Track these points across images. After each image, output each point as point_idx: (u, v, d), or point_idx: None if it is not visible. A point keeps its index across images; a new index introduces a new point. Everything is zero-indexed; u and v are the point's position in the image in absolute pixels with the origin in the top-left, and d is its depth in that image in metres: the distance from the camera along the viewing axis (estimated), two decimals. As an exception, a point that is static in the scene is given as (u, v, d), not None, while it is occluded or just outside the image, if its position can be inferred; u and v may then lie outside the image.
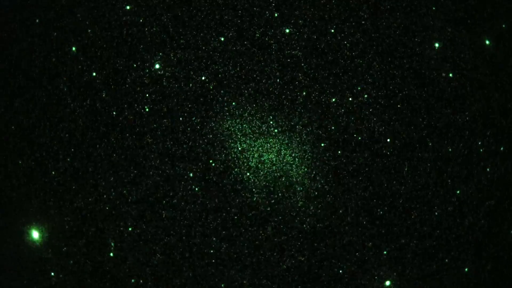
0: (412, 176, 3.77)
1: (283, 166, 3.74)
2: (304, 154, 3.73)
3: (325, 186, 3.73)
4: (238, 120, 3.72)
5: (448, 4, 3.84)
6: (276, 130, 3.72)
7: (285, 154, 3.73)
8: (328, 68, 3.72)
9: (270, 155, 3.74)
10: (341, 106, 3.71)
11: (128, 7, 3.79)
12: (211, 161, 3.72)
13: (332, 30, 3.73)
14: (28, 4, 3.97)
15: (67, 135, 3.83)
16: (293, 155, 3.73)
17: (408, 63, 3.77)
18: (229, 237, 3.75)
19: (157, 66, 3.74)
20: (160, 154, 3.73)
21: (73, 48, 3.84)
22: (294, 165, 3.74)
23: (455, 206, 3.83)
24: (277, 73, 3.71)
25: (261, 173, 3.73)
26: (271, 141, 3.73)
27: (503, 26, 3.93)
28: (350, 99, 3.71)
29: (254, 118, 3.72)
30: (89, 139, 3.80)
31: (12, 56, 3.98)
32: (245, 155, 3.73)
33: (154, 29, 3.75)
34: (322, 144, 3.71)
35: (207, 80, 3.71)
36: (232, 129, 3.72)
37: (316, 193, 3.74)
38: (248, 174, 3.72)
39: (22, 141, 3.92)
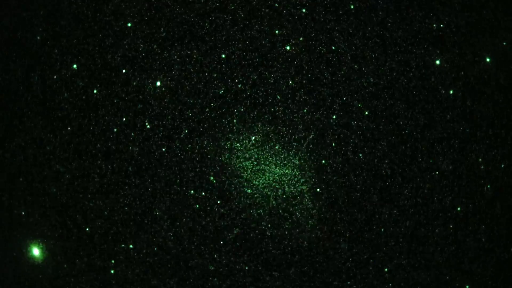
0: (414, 190, 3.77)
1: (284, 181, 3.74)
2: (305, 170, 3.73)
3: (326, 202, 3.73)
4: (239, 136, 3.72)
5: (449, 21, 3.85)
6: (277, 147, 3.72)
7: (286, 170, 3.73)
8: (328, 84, 3.72)
9: (271, 170, 3.74)
10: (341, 123, 3.72)
11: (129, 24, 3.80)
12: (211, 178, 3.72)
13: (333, 47, 3.73)
14: (29, 21, 3.98)
15: (66, 151, 3.83)
16: (294, 171, 3.73)
17: (409, 80, 3.77)
18: (229, 253, 3.75)
19: (158, 83, 3.75)
20: (160, 170, 3.74)
21: (74, 66, 3.85)
22: (295, 181, 3.74)
23: (456, 223, 3.83)
24: (278, 90, 3.71)
25: (262, 189, 3.73)
26: (272, 157, 3.73)
27: (504, 43, 3.93)
28: (351, 115, 3.71)
29: (255, 133, 3.72)
30: (90, 156, 3.81)
31: (13, 73, 3.99)
32: (246, 171, 3.73)
33: (155, 46, 3.76)
34: (323, 161, 3.72)
35: (208, 96, 3.72)
36: (233, 145, 3.72)
37: (317, 208, 3.74)
38: (249, 191, 3.72)
39: (22, 159, 3.92)
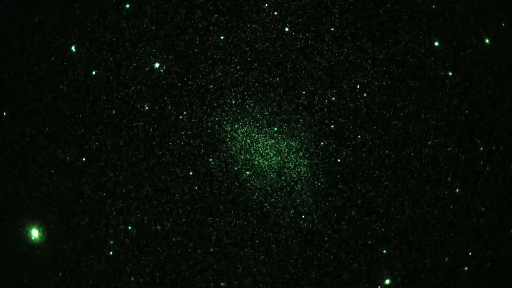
0: (412, 174, 3.77)
1: (283, 164, 3.74)
2: (304, 153, 3.73)
3: (325, 185, 3.73)
4: (238, 119, 3.72)
5: (447, 2, 3.85)
6: (275, 129, 3.72)
7: (285, 153, 3.73)
8: (327, 66, 3.72)
9: (270, 154, 3.74)
10: (341, 105, 3.72)
11: (127, 6, 3.79)
12: (210, 160, 3.72)
13: (332, 29, 3.73)
14: (28, 3, 3.97)
15: (65, 134, 3.83)
16: (293, 153, 3.73)
17: (408, 62, 3.77)
18: (229, 235, 3.76)
19: (156, 65, 3.75)
20: (159, 152, 3.74)
21: (73, 47, 3.84)
22: (294, 164, 3.74)
23: (455, 204, 3.83)
24: (277, 72, 3.71)
25: (261, 171, 3.74)
26: (271, 140, 3.73)
27: (503, 24, 3.93)
28: (350, 98, 3.72)
29: (254, 116, 3.72)
30: (88, 138, 3.81)
31: (11, 55, 3.98)
32: (245, 154, 3.73)
33: (154, 27, 3.76)
34: (322, 143, 3.72)
35: (206, 78, 3.72)
36: (232, 128, 3.72)
37: (316, 192, 3.74)
38: (248, 172, 3.73)
39: (20, 141, 3.92)
